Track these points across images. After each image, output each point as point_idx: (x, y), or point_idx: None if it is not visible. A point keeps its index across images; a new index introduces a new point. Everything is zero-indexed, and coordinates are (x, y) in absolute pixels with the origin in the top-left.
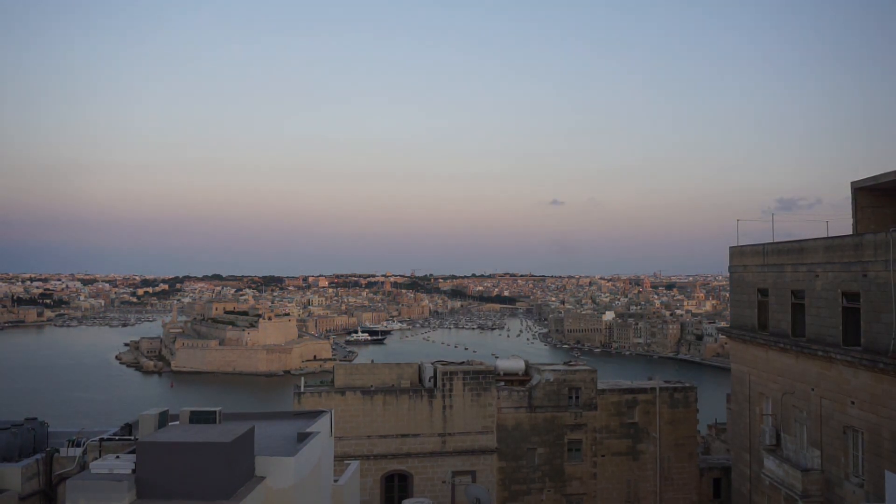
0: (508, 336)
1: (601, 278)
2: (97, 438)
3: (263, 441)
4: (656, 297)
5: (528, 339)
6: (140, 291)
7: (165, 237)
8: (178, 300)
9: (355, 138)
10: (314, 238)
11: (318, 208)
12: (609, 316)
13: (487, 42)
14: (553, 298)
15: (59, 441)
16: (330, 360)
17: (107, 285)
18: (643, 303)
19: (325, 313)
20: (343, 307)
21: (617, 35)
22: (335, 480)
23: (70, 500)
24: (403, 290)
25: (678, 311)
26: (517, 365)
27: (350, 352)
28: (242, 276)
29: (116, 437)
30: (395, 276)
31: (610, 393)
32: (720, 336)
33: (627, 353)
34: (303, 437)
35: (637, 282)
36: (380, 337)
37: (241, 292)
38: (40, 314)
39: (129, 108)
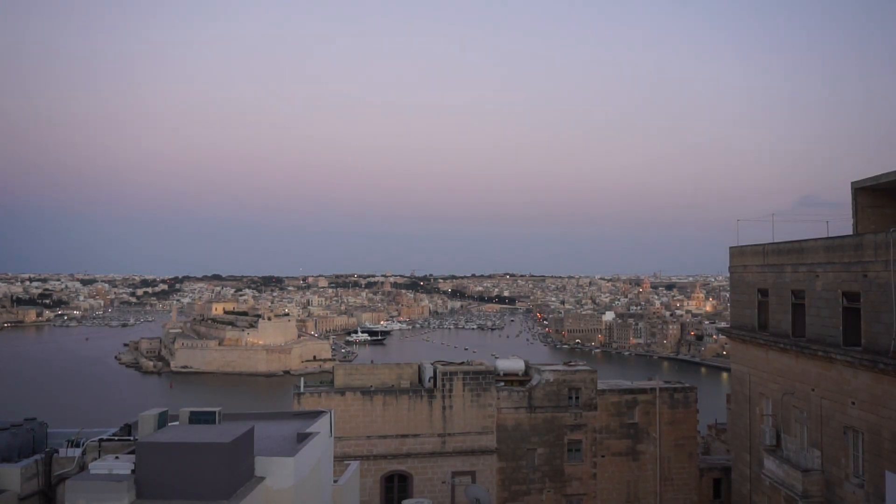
0: (508, 337)
1: (601, 278)
2: (97, 439)
3: (263, 441)
4: (656, 297)
5: (528, 340)
6: (140, 291)
7: (165, 237)
8: (178, 300)
9: (354, 137)
10: (314, 238)
11: (319, 208)
12: (609, 316)
13: (493, 39)
14: (553, 298)
15: (59, 441)
16: (330, 360)
17: (106, 285)
18: (643, 303)
19: (324, 313)
20: (343, 307)
21: (619, 34)
22: (335, 481)
23: (69, 501)
24: (403, 290)
25: (678, 312)
26: (517, 365)
27: (350, 352)
28: (242, 276)
29: (116, 438)
30: (395, 276)
31: (610, 393)
32: (720, 336)
33: (627, 353)
34: (303, 438)
35: (637, 282)
36: (380, 337)
37: (240, 292)
38: (40, 314)
39: (129, 108)
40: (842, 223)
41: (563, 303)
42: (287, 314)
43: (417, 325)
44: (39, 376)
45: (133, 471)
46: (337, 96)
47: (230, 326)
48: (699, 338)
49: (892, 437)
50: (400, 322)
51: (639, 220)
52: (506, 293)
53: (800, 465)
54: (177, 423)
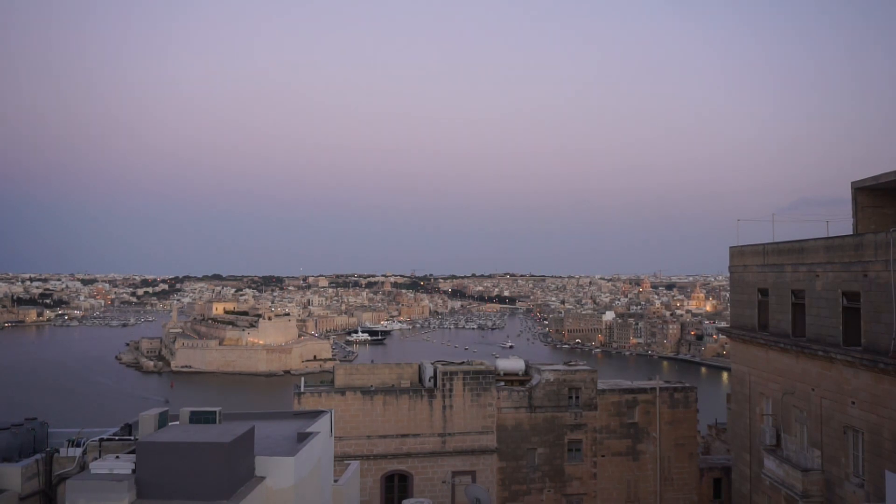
0: (508, 336)
1: (601, 278)
2: (97, 438)
3: (263, 441)
4: (656, 297)
5: (528, 339)
6: (140, 291)
7: (165, 237)
8: (178, 300)
9: (354, 135)
10: (314, 238)
11: (319, 207)
12: (609, 316)
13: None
14: (553, 298)
15: (59, 441)
16: (330, 360)
17: (107, 285)
18: (643, 303)
19: (325, 313)
20: (343, 307)
21: (620, 33)
22: (335, 481)
23: (70, 501)
24: (403, 290)
25: (678, 311)
26: (517, 365)
27: (350, 352)
28: (242, 276)
29: (116, 438)
30: (395, 276)
31: (610, 393)
32: (720, 336)
33: (627, 353)
34: (303, 437)
35: (637, 282)
36: (380, 337)
37: (241, 292)
38: (40, 314)
39: (129, 108)
40: (842, 223)
41: (563, 303)
42: (287, 314)
43: (417, 325)
44: (40, 376)
45: (133, 470)
46: (337, 96)
47: (230, 326)
48: (699, 338)
49: (893, 437)
50: (400, 322)
51: (639, 220)
52: (506, 293)
53: (800, 465)
54: (177, 422)
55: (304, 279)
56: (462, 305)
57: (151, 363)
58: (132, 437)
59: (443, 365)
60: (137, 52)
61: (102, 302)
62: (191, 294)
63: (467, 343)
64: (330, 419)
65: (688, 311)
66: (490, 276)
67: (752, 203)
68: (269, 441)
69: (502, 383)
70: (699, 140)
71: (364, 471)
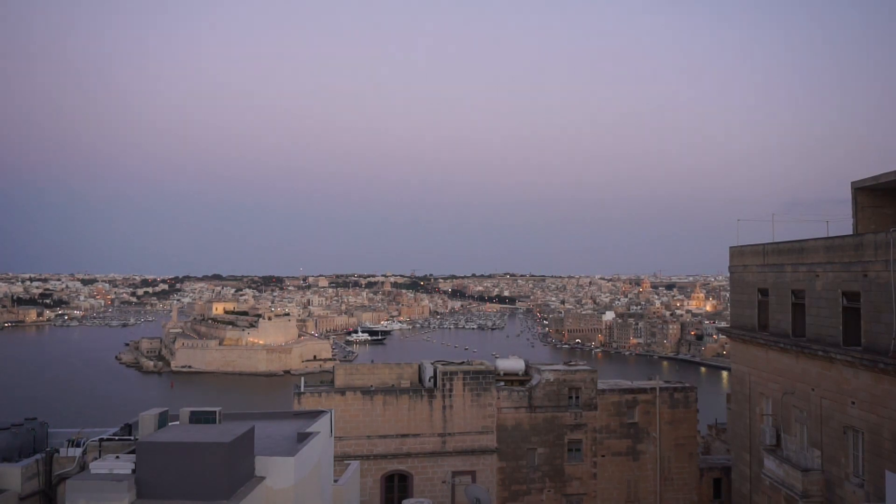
0: (508, 337)
1: (601, 278)
2: (97, 438)
3: (263, 441)
4: (656, 296)
5: (528, 340)
6: (140, 291)
7: (165, 237)
8: (178, 300)
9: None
10: (314, 238)
11: (319, 207)
12: (609, 316)
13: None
14: (553, 298)
15: (59, 441)
16: (330, 360)
17: (107, 285)
18: (643, 303)
19: (325, 313)
20: (343, 307)
21: (620, 33)
22: (335, 481)
23: (70, 501)
24: (403, 290)
25: (678, 311)
26: (517, 365)
27: (350, 352)
28: (242, 276)
29: (116, 438)
30: (395, 276)
31: (610, 393)
32: (720, 336)
33: (627, 353)
34: (303, 437)
35: (637, 282)
36: (380, 337)
37: (240, 292)
38: (40, 314)
39: (129, 107)
40: (842, 223)
41: (563, 303)
42: (287, 314)
43: (417, 325)
44: (40, 376)
45: (133, 470)
46: (337, 96)
47: (230, 326)
48: (699, 338)
49: (892, 437)
50: (400, 322)
51: (639, 220)
52: (506, 293)
53: (800, 465)
54: (177, 422)
55: (304, 279)
56: (462, 305)
57: (151, 363)
58: (132, 437)
59: (443, 365)
60: (137, 53)
61: (102, 302)
62: (191, 294)
63: (467, 343)
64: (330, 419)
65: (688, 311)
66: (490, 276)
67: (752, 203)
68: (269, 441)
69: (502, 383)
70: (699, 140)
71: (364, 471)
